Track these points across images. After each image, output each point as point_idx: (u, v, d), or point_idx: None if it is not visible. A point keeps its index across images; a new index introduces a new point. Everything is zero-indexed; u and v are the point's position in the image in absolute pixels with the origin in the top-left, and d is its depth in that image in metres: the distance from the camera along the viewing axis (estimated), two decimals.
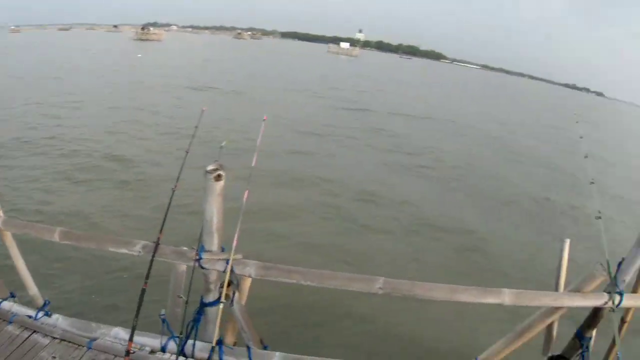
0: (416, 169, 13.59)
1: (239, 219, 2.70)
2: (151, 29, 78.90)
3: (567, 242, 3.02)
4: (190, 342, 2.95)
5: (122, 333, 3.03)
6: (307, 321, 5.25)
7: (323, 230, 8.19)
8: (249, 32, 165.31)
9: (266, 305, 4.60)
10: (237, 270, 2.75)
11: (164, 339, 3.02)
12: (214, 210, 2.67)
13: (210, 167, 2.60)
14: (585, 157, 3.19)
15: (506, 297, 2.72)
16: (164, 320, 3.06)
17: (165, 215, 2.88)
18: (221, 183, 2.61)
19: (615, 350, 3.07)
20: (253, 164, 2.77)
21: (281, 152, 12.74)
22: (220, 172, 2.59)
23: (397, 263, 7.01)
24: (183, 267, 2.93)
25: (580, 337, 3.08)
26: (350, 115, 22.08)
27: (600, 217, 2.98)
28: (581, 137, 3.35)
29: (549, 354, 3.15)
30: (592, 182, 3.04)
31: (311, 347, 4.21)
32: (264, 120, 2.90)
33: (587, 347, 3.11)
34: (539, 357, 3.19)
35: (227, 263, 2.72)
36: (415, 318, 5.18)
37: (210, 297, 2.90)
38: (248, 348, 2.89)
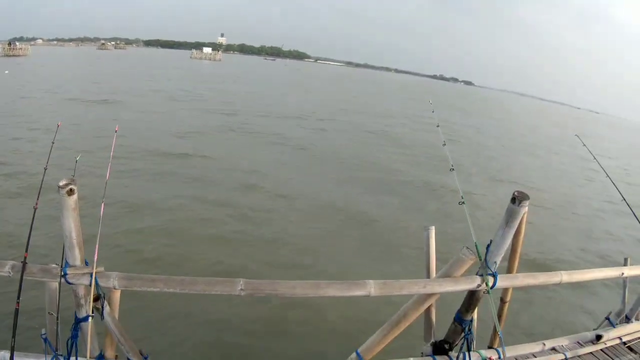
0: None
1: (98, 232, 2.70)
2: (17, 44, 76.33)
3: (433, 229, 3.09)
4: (72, 359, 2.94)
5: (4, 355, 3.00)
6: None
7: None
8: (113, 42, 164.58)
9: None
10: (101, 283, 2.74)
11: (48, 358, 3.00)
12: (71, 225, 2.66)
13: (62, 182, 2.59)
14: (444, 144, 3.26)
15: (372, 288, 2.75)
16: (45, 340, 3.05)
17: (30, 234, 2.86)
18: (74, 197, 2.61)
19: (497, 330, 3.13)
20: (107, 177, 2.77)
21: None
22: (72, 186, 2.59)
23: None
24: (55, 284, 2.91)
25: (460, 321, 3.14)
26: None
27: (463, 202, 3.05)
28: (438, 126, 3.41)
29: (432, 340, 3.20)
30: (452, 169, 3.10)
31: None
32: (115, 131, 2.90)
33: (470, 330, 3.16)
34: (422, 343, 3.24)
35: (92, 276, 2.72)
36: (285, 318, 5.20)
37: (83, 312, 2.87)
38: None
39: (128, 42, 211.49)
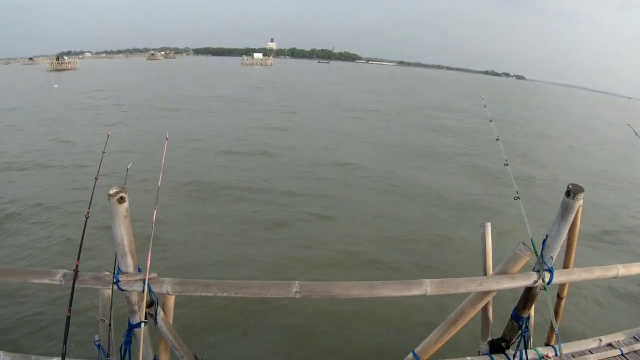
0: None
1: (151, 238, 2.68)
2: (65, 58, 78.17)
3: (488, 225, 3.00)
4: None
5: None
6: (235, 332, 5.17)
7: None
8: (162, 52, 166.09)
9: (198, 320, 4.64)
10: (154, 289, 2.73)
11: None
12: (123, 233, 2.65)
13: (112, 191, 2.58)
14: (497, 139, 3.15)
15: (428, 287, 2.68)
16: (99, 346, 3.08)
17: (81, 242, 2.86)
18: (125, 205, 2.59)
19: (553, 327, 3.03)
20: (159, 184, 2.74)
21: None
22: (123, 194, 2.57)
23: None
24: (108, 291, 2.91)
25: (517, 319, 3.05)
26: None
27: (518, 197, 2.95)
28: (490, 121, 3.31)
29: (489, 339, 3.12)
30: (506, 164, 3.00)
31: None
32: (166, 139, 2.87)
33: (527, 327, 3.08)
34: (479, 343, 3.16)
35: (144, 283, 2.71)
36: (342, 316, 5.14)
37: (136, 319, 2.87)
38: None
39: (178, 51, 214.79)
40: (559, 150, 20.17)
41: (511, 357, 3.04)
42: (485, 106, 3.60)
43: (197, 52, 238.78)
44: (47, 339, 4.63)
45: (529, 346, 3.10)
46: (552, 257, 2.91)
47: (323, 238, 7.74)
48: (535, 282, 2.90)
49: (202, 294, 2.71)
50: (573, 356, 3.25)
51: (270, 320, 5.08)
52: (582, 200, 2.87)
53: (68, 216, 8.36)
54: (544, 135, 24.57)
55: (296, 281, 2.61)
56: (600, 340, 3.40)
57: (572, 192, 2.77)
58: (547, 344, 3.38)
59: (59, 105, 25.64)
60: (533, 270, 2.93)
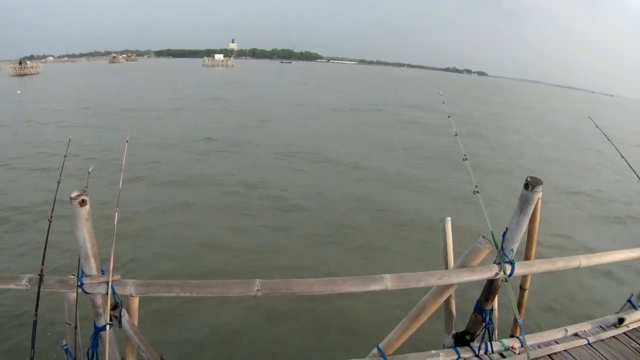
0: None
1: (113, 240, 2.71)
2: (28, 62, 77.14)
3: (449, 220, 3.05)
4: None
5: None
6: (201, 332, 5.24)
7: None
8: (124, 55, 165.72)
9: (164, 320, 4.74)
10: (118, 291, 2.75)
11: None
12: (85, 235, 2.67)
13: (73, 194, 2.61)
14: (455, 135, 3.21)
15: (388, 282, 2.73)
16: (66, 351, 3.09)
17: (45, 246, 2.88)
18: (87, 207, 2.62)
19: (517, 318, 3.08)
20: (120, 186, 2.77)
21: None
22: (84, 197, 2.60)
23: None
24: (73, 294, 2.93)
25: (480, 311, 3.10)
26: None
27: (477, 192, 3.01)
28: (449, 117, 3.37)
29: (453, 332, 3.16)
30: (465, 159, 3.06)
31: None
32: (127, 141, 2.90)
33: (491, 320, 3.13)
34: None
35: (108, 285, 2.73)
36: (306, 315, 5.22)
37: (102, 321, 2.89)
38: None
39: (139, 53, 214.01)
40: (517, 142, 21.19)
41: (476, 350, 3.09)
42: (443, 102, 3.66)
43: (159, 54, 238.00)
44: (13, 344, 4.65)
45: (494, 338, 3.15)
46: (512, 250, 2.96)
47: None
48: (497, 274, 2.95)
49: (165, 294, 2.74)
50: (539, 346, 3.30)
51: (235, 319, 5.14)
52: (541, 193, 2.93)
53: (33, 221, 8.44)
54: (503, 128, 26.24)
55: (257, 280, 2.65)
56: (566, 330, 3.46)
57: (530, 184, 2.83)
58: (512, 336, 3.43)
59: (21, 111, 25.43)
60: (494, 263, 2.99)
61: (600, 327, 3.63)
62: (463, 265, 2.92)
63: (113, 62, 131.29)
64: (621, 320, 3.66)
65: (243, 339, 4.86)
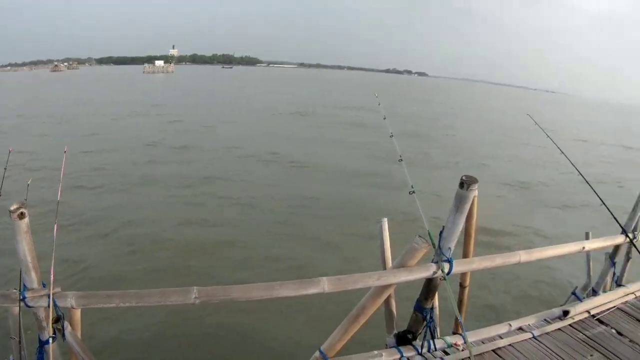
0: None
1: (52, 253, 2.74)
2: None
3: (385, 221, 3.14)
4: None
5: None
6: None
7: None
8: (65, 64, 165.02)
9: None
10: (60, 304, 2.78)
11: None
12: (25, 248, 2.70)
13: (13, 207, 2.65)
14: (391, 136, 3.32)
15: (325, 285, 2.79)
16: None
17: None
18: (26, 220, 2.65)
19: (457, 315, 3.18)
20: (58, 198, 2.82)
21: None
22: (23, 209, 2.63)
23: None
24: (17, 308, 2.95)
25: (420, 310, 3.18)
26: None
27: (413, 192, 3.11)
28: (384, 118, 3.47)
29: (395, 332, 3.24)
30: (401, 159, 3.16)
31: None
32: (64, 152, 2.95)
33: (432, 318, 3.22)
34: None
35: (49, 298, 2.76)
36: (247, 320, 5.31)
37: (45, 335, 2.91)
38: None
39: (80, 61, 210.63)
40: (456, 141, 21.94)
41: (419, 348, 3.17)
42: (379, 104, 3.76)
43: (100, 61, 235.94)
44: None
45: (436, 336, 3.24)
46: (450, 248, 3.06)
47: None
48: (435, 273, 3.04)
49: (105, 305, 2.77)
50: (483, 342, 3.40)
51: (177, 328, 5.20)
52: (476, 191, 3.04)
53: None
54: (442, 127, 27.75)
55: (195, 287, 2.70)
56: (510, 325, 3.57)
57: (465, 183, 2.92)
58: (455, 333, 3.52)
59: None
60: (432, 262, 3.08)
61: (545, 320, 3.75)
62: (401, 265, 3.01)
63: (55, 71, 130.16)
64: (566, 313, 3.78)
65: (184, 347, 4.92)
